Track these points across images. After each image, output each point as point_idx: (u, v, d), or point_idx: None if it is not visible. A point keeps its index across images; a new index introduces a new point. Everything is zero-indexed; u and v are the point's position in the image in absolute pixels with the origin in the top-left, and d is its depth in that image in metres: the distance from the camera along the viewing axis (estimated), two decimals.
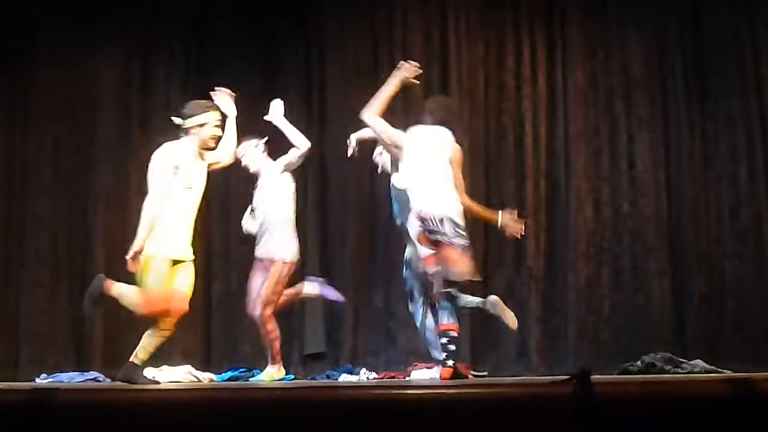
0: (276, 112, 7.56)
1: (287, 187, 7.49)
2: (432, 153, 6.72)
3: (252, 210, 7.60)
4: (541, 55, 9.09)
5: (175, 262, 6.21)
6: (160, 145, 8.99)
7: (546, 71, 9.07)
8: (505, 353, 8.67)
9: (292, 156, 7.44)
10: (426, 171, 6.67)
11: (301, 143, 7.43)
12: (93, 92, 9.27)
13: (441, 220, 6.55)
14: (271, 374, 7.39)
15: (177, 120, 6.38)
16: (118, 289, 6.27)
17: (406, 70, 6.90)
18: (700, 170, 8.94)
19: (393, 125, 6.83)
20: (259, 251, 7.46)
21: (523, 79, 9.02)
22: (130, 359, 6.15)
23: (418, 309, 6.84)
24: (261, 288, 7.33)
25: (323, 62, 9.21)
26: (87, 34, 9.27)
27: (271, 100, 9.02)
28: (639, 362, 8.03)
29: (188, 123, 6.34)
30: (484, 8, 9.20)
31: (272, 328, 7.38)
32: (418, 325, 6.86)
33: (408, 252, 6.91)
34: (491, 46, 9.16)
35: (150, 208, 6.18)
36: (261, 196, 7.52)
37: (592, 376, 3.58)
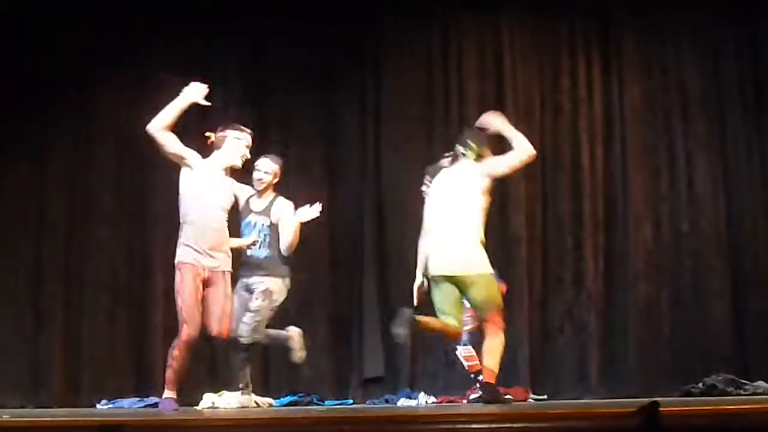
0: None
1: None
2: None
3: None
4: (597, 75, 9.04)
5: None
6: None
7: (602, 91, 9.01)
8: (565, 376, 8.61)
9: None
10: None
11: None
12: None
13: None
14: None
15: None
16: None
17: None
18: (759, 188, 8.86)
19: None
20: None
21: (579, 99, 8.98)
22: (485, 380, 6.37)
23: None
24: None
25: (378, 85, 9.21)
26: (145, 62, 9.35)
27: (327, 123, 9.09)
28: (701, 384, 7.96)
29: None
30: (538, 28, 9.18)
31: None
32: None
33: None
34: (546, 67, 9.13)
35: None
36: None
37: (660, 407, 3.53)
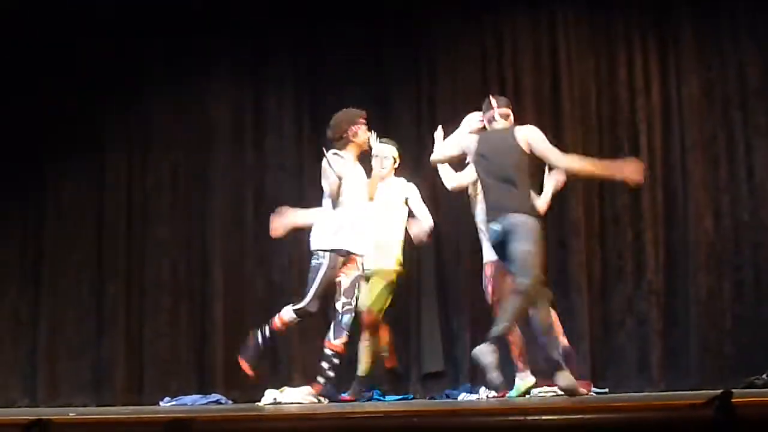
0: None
1: None
2: None
3: None
4: (654, 66, 8.92)
5: None
6: (273, 167, 9.17)
7: (659, 81, 8.90)
8: (626, 369, 8.55)
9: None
10: None
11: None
12: (208, 121, 9.46)
13: None
14: (518, 386, 7.25)
15: None
16: None
17: None
18: None
19: None
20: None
21: (636, 90, 8.88)
22: None
23: None
24: None
25: (434, 82, 9.20)
26: (201, 62, 9.46)
27: (383, 122, 9.13)
28: (764, 375, 7.87)
29: None
30: (594, 20, 9.08)
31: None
32: None
33: None
34: (602, 58, 9.04)
35: None
36: None
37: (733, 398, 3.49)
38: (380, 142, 7.59)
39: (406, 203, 7.84)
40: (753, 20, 8.88)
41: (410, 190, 7.89)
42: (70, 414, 5.67)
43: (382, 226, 7.56)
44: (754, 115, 8.77)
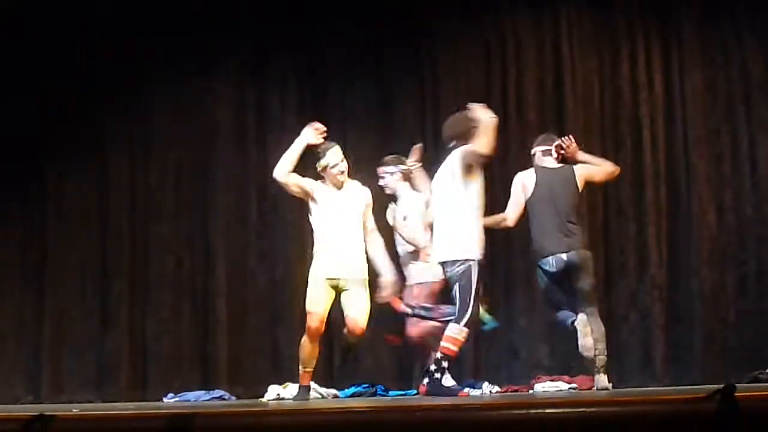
0: None
1: None
2: None
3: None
4: (657, 60, 8.93)
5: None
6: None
7: (662, 76, 8.91)
8: (629, 364, 8.53)
9: None
10: None
11: None
12: (210, 120, 9.45)
13: None
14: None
15: None
16: None
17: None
18: None
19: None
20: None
21: (639, 85, 8.88)
22: None
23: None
24: None
25: (436, 82, 9.21)
26: (202, 62, 9.46)
27: (385, 122, 9.13)
28: None
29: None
30: (596, 15, 9.09)
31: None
32: None
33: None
34: (605, 53, 9.04)
35: None
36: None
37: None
38: (325, 147, 7.06)
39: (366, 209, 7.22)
40: (754, 16, 8.88)
41: (368, 197, 7.26)
42: (74, 410, 5.67)
43: (350, 233, 7.08)
44: (758, 109, 8.77)
